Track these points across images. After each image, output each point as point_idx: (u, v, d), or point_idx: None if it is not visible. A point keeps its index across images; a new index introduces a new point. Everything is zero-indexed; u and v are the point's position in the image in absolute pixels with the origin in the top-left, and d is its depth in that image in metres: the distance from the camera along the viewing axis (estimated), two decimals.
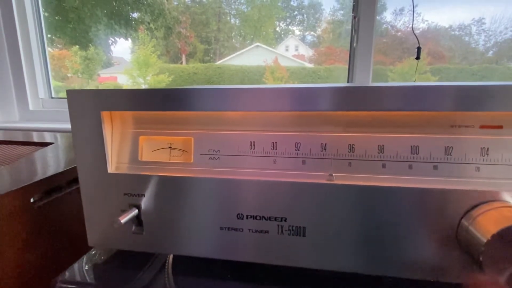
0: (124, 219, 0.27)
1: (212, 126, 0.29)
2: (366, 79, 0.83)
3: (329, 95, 0.24)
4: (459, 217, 0.23)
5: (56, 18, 1.17)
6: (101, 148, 0.29)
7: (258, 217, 0.27)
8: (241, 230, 0.28)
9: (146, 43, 1.25)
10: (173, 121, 0.30)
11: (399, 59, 1.05)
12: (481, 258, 0.20)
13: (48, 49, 1.05)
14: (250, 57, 1.25)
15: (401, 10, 0.99)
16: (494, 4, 0.91)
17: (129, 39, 1.27)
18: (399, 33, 1.03)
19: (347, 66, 0.89)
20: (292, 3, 1.24)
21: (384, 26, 1.01)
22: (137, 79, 1.31)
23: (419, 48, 0.75)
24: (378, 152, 0.25)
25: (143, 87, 1.30)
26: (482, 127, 0.24)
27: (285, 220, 0.27)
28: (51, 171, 0.39)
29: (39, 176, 0.37)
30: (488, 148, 0.24)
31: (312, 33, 1.24)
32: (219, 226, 0.28)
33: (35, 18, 1.00)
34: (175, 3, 1.25)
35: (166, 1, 1.21)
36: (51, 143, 0.59)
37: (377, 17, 0.80)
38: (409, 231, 0.24)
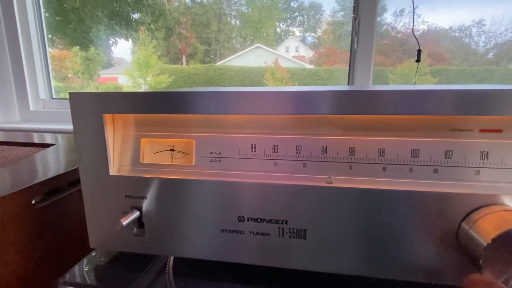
0: (125, 221, 0.27)
1: (214, 128, 0.29)
2: (366, 81, 0.83)
3: (330, 98, 0.25)
4: (459, 220, 0.24)
5: (57, 18, 1.17)
6: (103, 150, 0.29)
7: (259, 220, 0.27)
8: (242, 232, 0.28)
9: (146, 44, 1.25)
10: (175, 124, 0.30)
11: (400, 60, 1.05)
12: (481, 261, 0.21)
13: (49, 50, 1.05)
14: (250, 58, 1.25)
15: (402, 11, 0.99)
16: (494, 6, 0.91)
17: (130, 39, 1.27)
18: (399, 35, 1.03)
19: (347, 68, 0.90)
20: (292, 4, 1.24)
21: (385, 27, 1.01)
22: (137, 79, 1.31)
23: (419, 51, 0.75)
24: (378, 155, 0.26)
25: (144, 87, 1.30)
26: (482, 131, 0.24)
27: (286, 223, 0.27)
28: (52, 173, 0.40)
29: (41, 177, 0.38)
30: (488, 152, 0.24)
31: (312, 34, 1.24)
32: (220, 229, 0.28)
33: (36, 19, 1.00)
34: (176, 4, 1.25)
35: (166, 2, 1.21)
36: (52, 144, 0.59)
37: (377, 18, 0.80)
38: (409, 234, 0.25)
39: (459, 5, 0.95)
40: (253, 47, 1.26)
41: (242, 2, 1.26)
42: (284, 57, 1.23)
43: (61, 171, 0.40)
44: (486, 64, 1.00)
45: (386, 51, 1.04)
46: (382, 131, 0.26)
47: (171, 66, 1.31)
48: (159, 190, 0.29)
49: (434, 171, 0.25)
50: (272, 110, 0.26)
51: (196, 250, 0.29)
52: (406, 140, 0.25)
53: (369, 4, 0.79)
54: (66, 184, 0.41)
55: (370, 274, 0.26)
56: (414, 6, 0.77)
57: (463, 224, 0.23)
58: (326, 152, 0.27)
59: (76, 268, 0.32)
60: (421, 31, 0.94)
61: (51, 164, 0.46)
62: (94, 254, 0.34)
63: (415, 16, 0.77)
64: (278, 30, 1.30)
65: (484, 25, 0.94)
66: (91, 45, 1.27)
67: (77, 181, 0.41)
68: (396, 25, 1.02)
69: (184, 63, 1.32)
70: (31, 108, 1.02)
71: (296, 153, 0.27)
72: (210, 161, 0.29)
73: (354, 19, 0.82)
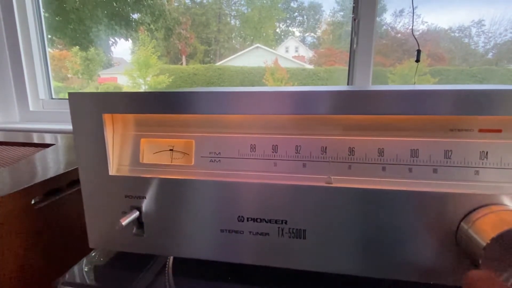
0: (125, 221, 0.27)
1: (213, 128, 0.29)
2: (366, 81, 0.83)
3: (330, 98, 0.25)
4: (458, 220, 0.24)
5: (57, 18, 1.17)
6: (103, 150, 0.29)
7: (258, 220, 0.27)
8: (241, 232, 0.28)
9: (146, 44, 1.25)
10: (174, 124, 0.30)
11: (399, 60, 1.05)
12: (480, 261, 0.21)
13: (48, 50, 1.05)
14: (250, 58, 1.25)
15: (401, 11, 0.99)
16: (493, 6, 0.91)
17: (130, 40, 1.27)
18: (399, 35, 1.04)
19: (347, 68, 0.90)
20: (292, 4, 1.24)
21: (384, 27, 1.01)
22: (137, 79, 1.31)
23: (419, 51, 0.75)
24: (378, 155, 0.26)
25: (143, 87, 1.30)
26: (481, 130, 0.24)
27: (286, 223, 0.27)
28: (51, 173, 0.40)
29: (40, 177, 0.38)
30: (487, 152, 0.24)
31: (312, 34, 1.24)
32: (219, 229, 0.28)
33: (35, 19, 1.00)
34: (176, 4, 1.25)
35: (166, 2, 1.21)
36: (51, 144, 0.59)
37: (377, 18, 0.81)
38: (409, 234, 0.25)
39: (458, 5, 0.95)
40: (253, 47, 1.26)
41: (242, 2, 1.26)
42: (284, 57, 1.23)
43: (61, 171, 0.40)
44: (485, 64, 1.00)
45: (386, 51, 1.04)
46: (382, 131, 0.26)
47: (171, 66, 1.31)
48: (158, 190, 0.29)
49: (433, 171, 0.25)
50: (271, 110, 0.26)
51: (195, 250, 0.29)
52: (406, 140, 0.25)
53: (369, 4, 0.79)
54: (66, 184, 0.41)
55: (370, 274, 0.26)
56: (414, 6, 0.77)
57: (462, 224, 0.23)
58: (326, 152, 0.27)
59: (76, 268, 0.32)
60: (420, 31, 0.95)
61: (50, 164, 0.46)
62: (93, 254, 0.34)
63: (414, 16, 0.77)
64: (278, 30, 1.30)
65: (484, 25, 0.94)
66: (91, 45, 1.27)
67: (77, 181, 0.41)
68: (395, 25, 1.02)
69: (184, 63, 1.32)
70: (31, 108, 1.02)
71: (296, 153, 0.27)
72: (210, 161, 0.29)
73: (354, 19, 0.82)
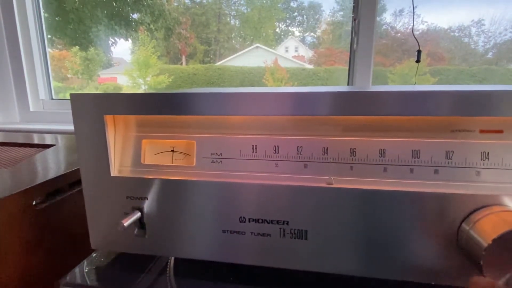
0: (127, 222, 0.28)
1: (215, 129, 0.29)
2: (366, 81, 0.83)
3: (331, 99, 0.25)
4: (459, 221, 0.24)
5: (57, 19, 1.17)
6: (104, 151, 0.29)
7: (260, 221, 0.27)
8: (243, 233, 0.28)
9: (146, 44, 1.25)
10: (176, 125, 0.30)
11: (399, 60, 1.05)
12: (481, 262, 0.21)
13: (48, 50, 1.05)
14: (250, 58, 1.25)
15: (401, 11, 0.99)
16: (493, 6, 0.92)
17: (129, 40, 1.27)
18: (399, 35, 1.04)
19: (347, 68, 0.90)
20: (292, 4, 1.24)
21: (384, 27, 1.01)
22: (137, 80, 1.31)
23: (419, 51, 0.75)
24: (379, 156, 0.26)
25: (143, 87, 1.30)
26: (482, 131, 0.24)
27: (287, 224, 0.27)
28: (52, 174, 0.40)
29: (41, 178, 0.38)
30: (488, 153, 0.24)
31: (312, 34, 1.24)
32: (221, 229, 0.28)
33: (35, 19, 1.00)
34: (175, 4, 1.25)
35: (166, 2, 1.21)
36: (52, 145, 0.59)
37: (377, 18, 0.81)
38: (410, 235, 0.25)
39: (458, 5, 0.95)
40: (252, 47, 1.26)
41: (242, 2, 1.26)
42: (284, 57, 1.23)
43: (62, 172, 0.40)
44: (485, 64, 1.00)
45: (386, 51, 1.05)
46: (383, 132, 0.26)
47: (171, 66, 1.31)
48: (160, 191, 0.29)
49: (434, 172, 0.25)
50: (272, 111, 0.26)
51: (197, 250, 0.29)
52: (407, 141, 0.25)
53: (369, 4, 0.79)
54: (67, 185, 0.41)
55: (371, 274, 0.26)
56: (414, 6, 0.77)
57: (463, 225, 0.23)
58: (327, 153, 0.27)
59: (77, 269, 0.32)
60: (420, 31, 0.95)
61: (51, 165, 0.46)
62: (95, 255, 0.34)
63: (414, 16, 0.77)
64: (277, 30, 1.30)
65: (484, 25, 0.95)
66: (90, 45, 1.27)
67: (78, 182, 0.41)
68: (395, 25, 1.02)
69: (184, 63, 1.32)
70: (31, 109, 1.02)
71: (297, 154, 0.27)
72: (211, 162, 0.29)
73: (354, 19, 0.82)
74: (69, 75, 1.33)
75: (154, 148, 0.30)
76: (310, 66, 1.21)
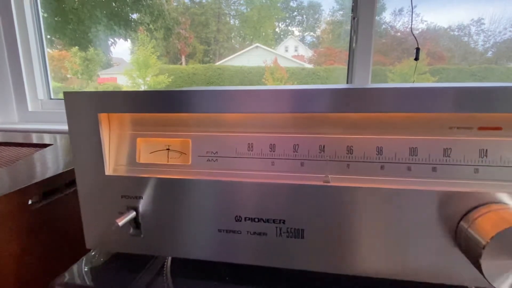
0: (121, 221, 0.27)
1: (210, 127, 0.29)
2: (365, 80, 0.83)
3: (328, 96, 0.24)
4: (458, 219, 0.23)
5: (56, 19, 1.17)
6: (99, 150, 0.29)
7: (256, 219, 0.27)
8: (239, 232, 0.27)
9: (145, 44, 1.25)
10: (171, 123, 0.30)
11: (399, 59, 1.05)
12: (480, 261, 0.20)
13: (48, 50, 1.05)
14: (249, 57, 1.25)
15: (400, 10, 0.99)
16: (493, 5, 0.91)
17: (129, 40, 1.27)
18: (398, 34, 1.03)
19: (346, 67, 0.89)
20: (291, 3, 1.24)
21: (383, 26, 1.01)
22: (136, 80, 1.31)
23: (417, 49, 0.75)
24: (376, 154, 0.25)
25: (143, 88, 1.30)
26: (480, 128, 0.24)
27: (284, 222, 0.26)
28: (49, 173, 0.39)
29: (37, 178, 0.37)
30: (486, 150, 0.24)
31: (311, 33, 1.24)
32: (217, 229, 0.28)
33: (34, 19, 1.00)
34: (175, 4, 1.25)
35: (165, 2, 1.21)
36: (50, 145, 0.59)
37: (376, 17, 0.80)
38: (408, 233, 0.24)
39: (458, 4, 0.95)
40: (252, 47, 1.26)
41: (241, 2, 1.25)
42: (283, 57, 1.23)
43: (59, 172, 0.40)
44: (485, 63, 0.99)
45: (385, 50, 1.04)
46: (380, 129, 0.26)
47: (171, 66, 1.31)
48: (155, 190, 0.28)
49: (432, 170, 0.25)
50: (269, 109, 0.26)
51: (193, 250, 0.29)
52: (404, 139, 0.25)
53: (368, 3, 0.79)
54: (63, 184, 0.41)
55: (368, 273, 0.26)
56: (413, 5, 0.77)
57: (462, 223, 0.23)
58: (324, 151, 0.26)
59: (73, 268, 0.31)
60: (420, 30, 0.94)
61: (48, 164, 0.46)
62: (91, 254, 0.34)
63: (414, 15, 0.77)
64: (277, 29, 1.30)
65: (483, 24, 0.94)
66: (90, 46, 1.27)
67: (75, 182, 0.41)
68: (395, 24, 1.02)
69: (184, 63, 1.32)
70: (30, 109, 1.02)
71: (294, 152, 0.27)
72: (207, 160, 0.29)
73: (353, 18, 0.82)
74: (68, 76, 1.33)
75: (149, 146, 0.30)
76: (310, 66, 1.20)
